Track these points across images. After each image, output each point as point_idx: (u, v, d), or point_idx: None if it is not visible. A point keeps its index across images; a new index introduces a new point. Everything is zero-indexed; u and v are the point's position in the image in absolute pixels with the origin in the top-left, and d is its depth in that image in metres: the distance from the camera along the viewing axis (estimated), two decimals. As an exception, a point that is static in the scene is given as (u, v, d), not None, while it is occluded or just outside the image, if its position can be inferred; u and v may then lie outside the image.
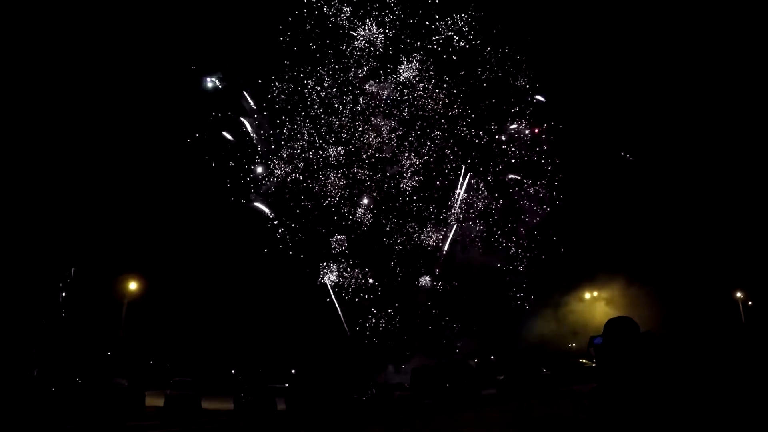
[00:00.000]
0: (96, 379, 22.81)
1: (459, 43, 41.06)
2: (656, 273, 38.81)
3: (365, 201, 41.45)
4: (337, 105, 41.15)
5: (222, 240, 38.89)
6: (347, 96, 41.16)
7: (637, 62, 40.04)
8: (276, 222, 40.72)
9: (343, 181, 41.06)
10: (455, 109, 41.17)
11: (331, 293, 40.02)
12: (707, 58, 38.50)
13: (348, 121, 41.18)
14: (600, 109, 40.67)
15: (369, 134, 41.03)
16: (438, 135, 41.49)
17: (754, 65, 37.65)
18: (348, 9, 40.88)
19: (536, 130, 42.36)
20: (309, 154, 40.98)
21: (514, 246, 42.34)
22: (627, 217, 41.56)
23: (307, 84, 40.73)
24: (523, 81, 41.92)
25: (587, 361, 35.92)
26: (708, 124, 39.68)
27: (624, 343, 4.37)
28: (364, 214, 41.13)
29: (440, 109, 41.23)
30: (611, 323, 4.50)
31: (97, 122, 36.15)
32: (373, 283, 40.73)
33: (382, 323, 40.62)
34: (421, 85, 41.30)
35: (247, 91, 40.81)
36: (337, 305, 39.99)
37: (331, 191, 40.94)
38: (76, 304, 32.17)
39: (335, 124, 40.94)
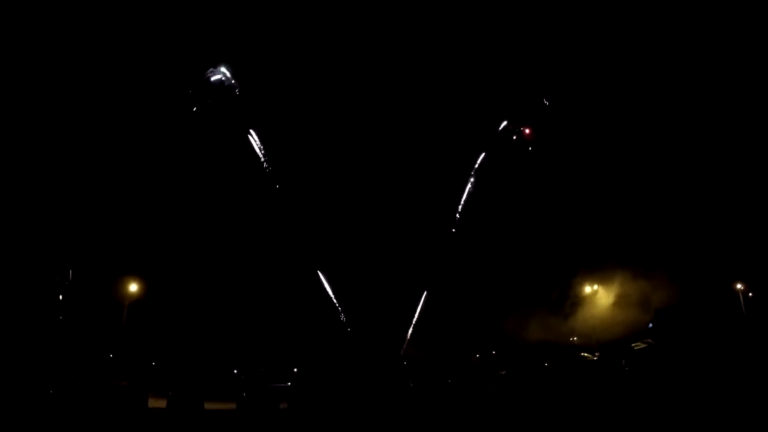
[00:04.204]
0: (97, 381, 22.84)
1: None
2: (657, 265, 38.90)
3: None
4: None
5: (222, 240, 38.90)
6: None
7: (637, 61, 39.92)
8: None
9: None
10: None
11: (329, 291, 39.98)
12: (707, 57, 38.43)
13: None
14: (599, 105, 40.49)
15: None
16: None
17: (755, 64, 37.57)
18: None
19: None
20: None
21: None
22: (627, 210, 41.55)
23: None
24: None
25: (589, 355, 36.50)
26: (709, 118, 39.64)
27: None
28: None
29: None
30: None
31: (96, 123, 36.07)
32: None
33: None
34: None
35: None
36: (336, 302, 39.95)
37: None
38: (76, 307, 32.14)
39: None
